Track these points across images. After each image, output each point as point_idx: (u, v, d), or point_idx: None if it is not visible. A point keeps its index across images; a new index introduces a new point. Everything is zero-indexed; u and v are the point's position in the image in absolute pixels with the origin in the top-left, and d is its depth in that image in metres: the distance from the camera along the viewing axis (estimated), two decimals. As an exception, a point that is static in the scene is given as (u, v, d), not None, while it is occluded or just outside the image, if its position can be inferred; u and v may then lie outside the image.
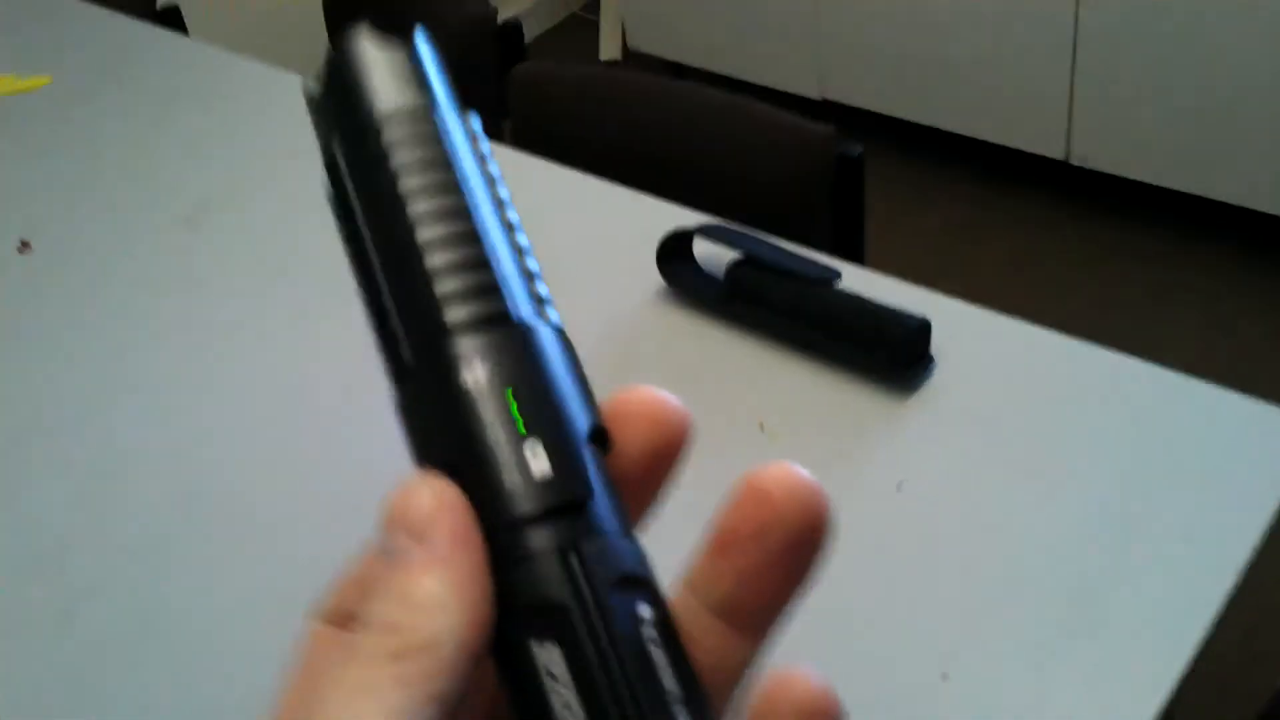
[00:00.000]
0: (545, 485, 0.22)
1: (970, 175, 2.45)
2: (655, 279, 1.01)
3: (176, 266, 1.18)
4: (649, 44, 2.81)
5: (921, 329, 0.89)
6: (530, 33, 3.26)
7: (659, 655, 0.21)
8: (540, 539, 0.21)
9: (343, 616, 0.24)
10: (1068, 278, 2.20)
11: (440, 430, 0.23)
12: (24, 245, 1.23)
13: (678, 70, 2.84)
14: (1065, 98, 2.13)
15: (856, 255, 1.21)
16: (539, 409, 0.23)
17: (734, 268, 0.96)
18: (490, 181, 0.26)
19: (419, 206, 0.24)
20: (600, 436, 0.24)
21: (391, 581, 0.22)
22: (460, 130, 0.26)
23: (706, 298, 0.98)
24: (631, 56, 2.94)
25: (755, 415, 0.90)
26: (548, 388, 0.23)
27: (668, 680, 0.21)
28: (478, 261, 0.24)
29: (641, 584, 0.22)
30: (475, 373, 0.23)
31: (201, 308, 1.11)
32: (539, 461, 0.22)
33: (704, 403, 0.91)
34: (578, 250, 1.07)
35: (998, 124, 2.28)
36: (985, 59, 2.21)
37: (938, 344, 0.92)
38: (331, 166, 0.26)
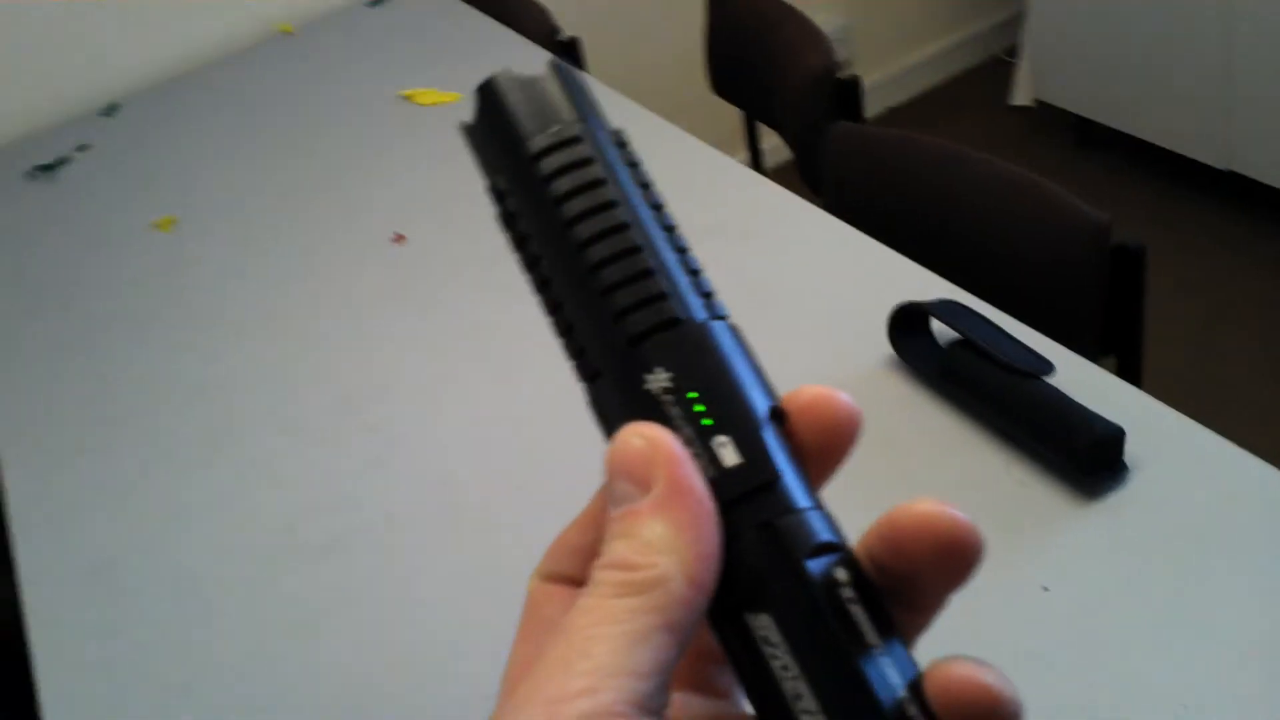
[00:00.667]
0: (737, 473, 0.24)
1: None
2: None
3: (516, 275, 1.36)
4: (1056, 96, 2.75)
5: (1112, 438, 0.89)
6: (950, 70, 3.28)
7: (858, 612, 0.23)
8: (740, 520, 0.24)
9: (556, 576, 0.27)
10: None
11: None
12: (399, 237, 1.47)
13: (1083, 124, 2.76)
14: None
15: (1129, 349, 1.19)
16: (721, 403, 0.25)
17: (953, 347, 1.00)
18: (644, 188, 0.28)
19: (584, 228, 0.27)
20: (778, 414, 0.26)
21: (621, 525, 0.24)
22: (610, 145, 0.28)
23: (927, 372, 1.02)
24: (1039, 105, 2.88)
25: (943, 491, 0.93)
26: (726, 380, 0.25)
27: (869, 634, 0.23)
28: (646, 271, 0.26)
29: (835, 549, 0.24)
30: (659, 377, 0.25)
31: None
32: (727, 452, 0.25)
33: (897, 472, 0.96)
34: (830, 300, 1.14)
35: None
36: None
37: (1139, 453, 0.91)
38: (498, 194, 0.29)
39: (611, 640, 0.23)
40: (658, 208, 0.28)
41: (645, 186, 0.29)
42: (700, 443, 0.25)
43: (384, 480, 1.10)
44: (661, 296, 0.26)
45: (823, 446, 0.27)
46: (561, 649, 0.23)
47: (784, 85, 1.71)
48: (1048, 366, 0.95)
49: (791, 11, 1.75)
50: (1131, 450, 0.91)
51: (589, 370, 0.27)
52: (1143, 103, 2.51)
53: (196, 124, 1.95)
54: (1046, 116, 2.89)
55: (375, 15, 2.22)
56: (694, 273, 0.27)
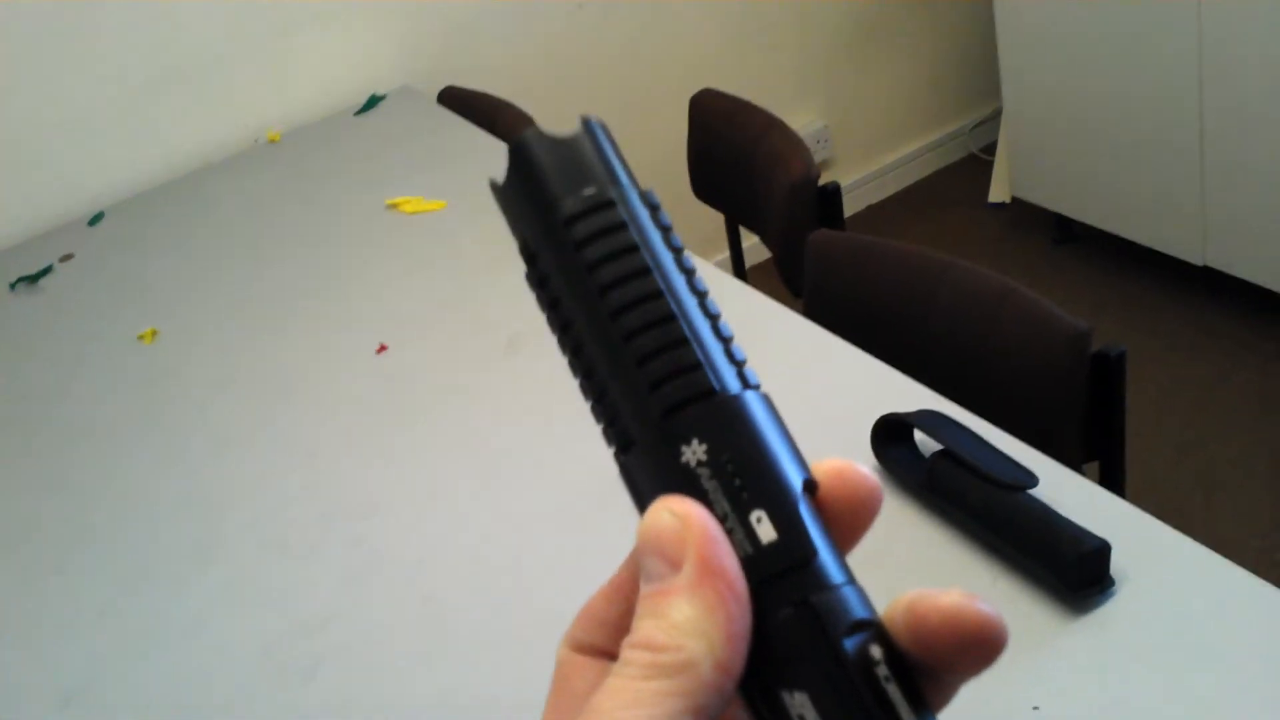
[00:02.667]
0: (774, 549, 0.24)
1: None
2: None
3: (502, 386, 1.36)
4: (1033, 194, 2.79)
5: (1097, 553, 0.88)
6: (929, 168, 3.33)
7: (893, 691, 0.24)
8: (776, 597, 0.24)
9: (585, 646, 0.28)
10: None
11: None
12: (382, 347, 1.47)
13: (1061, 222, 2.80)
14: None
15: (1111, 455, 1.19)
16: (756, 476, 0.25)
17: (935, 459, 1.00)
18: (677, 253, 0.28)
19: (617, 296, 0.26)
20: (810, 487, 0.26)
21: (651, 604, 0.24)
22: (642, 208, 0.28)
23: (911, 483, 1.02)
24: (1015, 203, 2.93)
25: (924, 607, 0.92)
26: (761, 453, 0.25)
27: (905, 713, 0.24)
28: (680, 340, 0.26)
29: (869, 626, 0.24)
30: (695, 450, 0.25)
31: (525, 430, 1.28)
32: (764, 528, 0.25)
33: (884, 584, 0.95)
34: (811, 407, 1.14)
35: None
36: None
37: (1124, 565, 0.91)
38: (529, 255, 0.28)
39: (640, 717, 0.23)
40: (690, 273, 0.28)
41: (678, 251, 0.28)
42: (736, 517, 0.25)
43: (368, 598, 1.08)
44: (696, 366, 0.26)
45: (848, 519, 0.27)
46: (599, 715, 0.23)
47: (765, 192, 1.74)
48: (1031, 479, 0.95)
49: (773, 120, 1.78)
50: (1117, 562, 0.90)
51: (622, 439, 0.27)
52: (1119, 200, 2.55)
53: (182, 233, 1.97)
54: (1024, 214, 2.93)
55: (362, 124, 2.26)
56: (726, 340, 0.27)
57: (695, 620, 0.24)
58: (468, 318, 1.49)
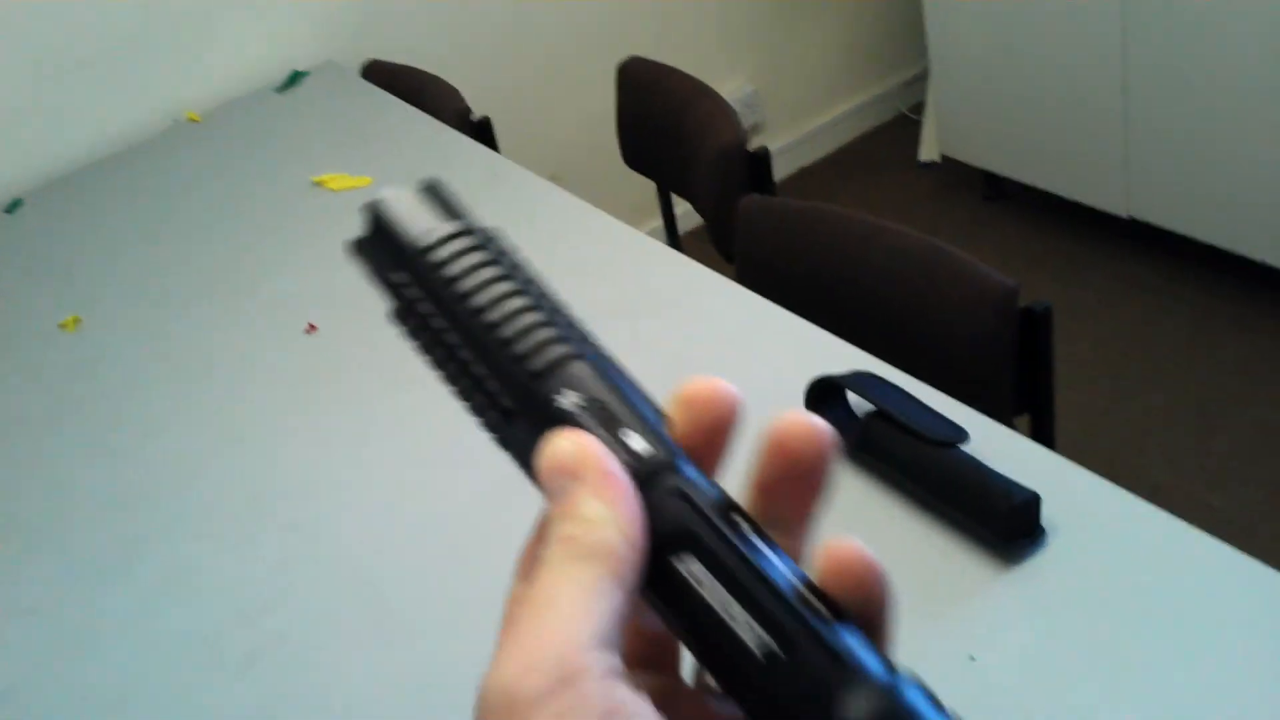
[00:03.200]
0: (646, 455, 0.30)
1: (1273, 306, 2.29)
2: (807, 418, 1.06)
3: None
4: (962, 152, 2.81)
5: (1027, 505, 0.90)
6: (858, 129, 3.35)
7: (763, 544, 0.29)
8: (657, 492, 0.30)
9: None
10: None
11: None
12: (311, 327, 1.46)
13: (989, 179, 2.83)
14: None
15: (1041, 409, 1.21)
16: (622, 409, 0.31)
17: (869, 419, 1.01)
18: (523, 265, 0.34)
19: (481, 297, 0.33)
20: (660, 414, 0.32)
21: (562, 509, 0.29)
22: (490, 237, 0.34)
23: (845, 444, 1.03)
24: (945, 161, 2.95)
25: (861, 566, 0.93)
26: (620, 392, 0.32)
27: (777, 559, 0.29)
28: (541, 323, 0.32)
29: (734, 505, 0.30)
30: (569, 397, 0.31)
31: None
32: (636, 441, 0.31)
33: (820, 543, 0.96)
34: (745, 372, 1.14)
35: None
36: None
37: (1055, 516, 0.92)
38: (395, 291, 0.34)
39: (572, 594, 0.27)
40: (535, 279, 0.34)
41: (523, 264, 0.34)
42: (613, 439, 0.31)
43: (305, 583, 1.07)
44: (557, 340, 0.32)
45: (711, 426, 0.32)
46: (529, 608, 0.27)
47: (695, 159, 1.73)
48: (962, 434, 0.96)
49: (701, 87, 1.77)
50: (1048, 513, 0.92)
51: (502, 415, 0.32)
52: (1045, 155, 2.58)
53: (102, 217, 1.92)
54: (954, 172, 2.95)
55: (284, 101, 2.22)
56: (574, 324, 0.33)
57: (602, 511, 0.28)
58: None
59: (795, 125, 3.24)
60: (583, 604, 0.27)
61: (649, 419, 0.31)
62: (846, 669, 0.28)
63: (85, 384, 1.47)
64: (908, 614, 0.87)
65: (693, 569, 0.29)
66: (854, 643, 0.29)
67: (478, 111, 1.97)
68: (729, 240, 1.54)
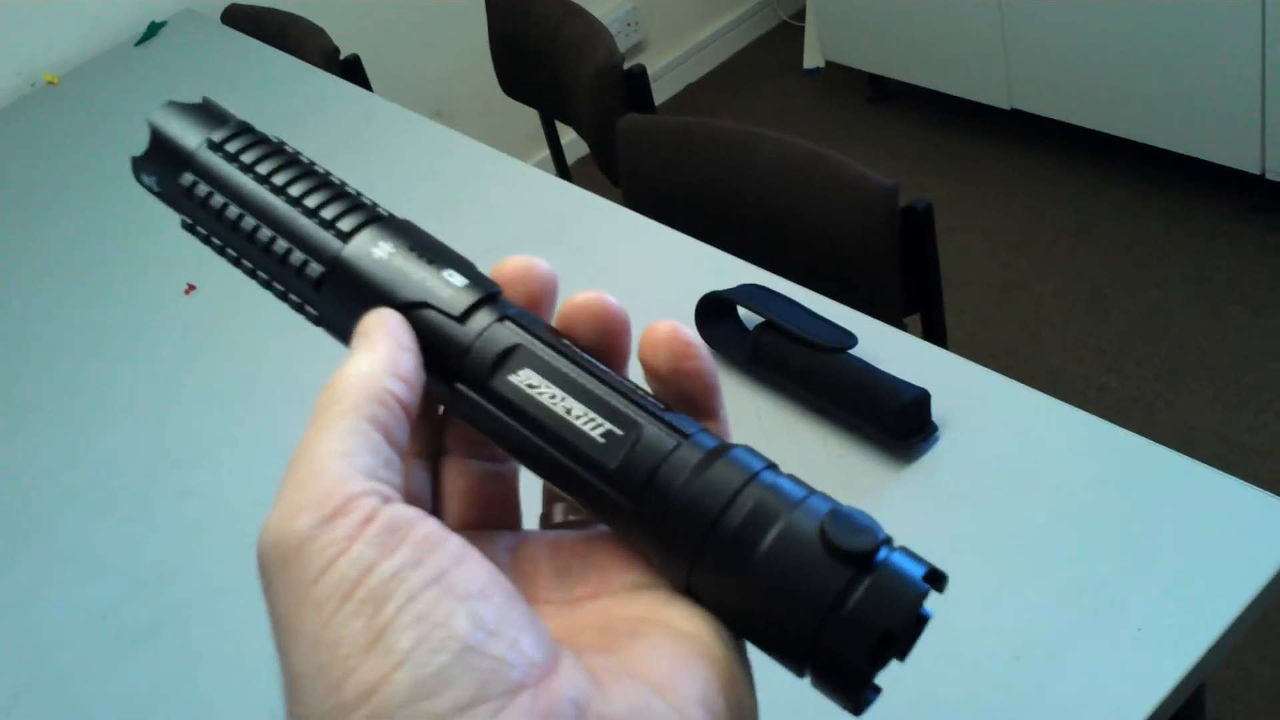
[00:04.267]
0: (469, 288, 0.32)
1: (1161, 187, 2.33)
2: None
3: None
4: (845, 56, 2.81)
5: (917, 402, 0.91)
6: (742, 41, 3.32)
7: (588, 355, 0.32)
8: (486, 319, 0.31)
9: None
10: (1254, 297, 2.07)
11: (375, 297, 0.32)
12: (190, 287, 1.41)
13: (874, 81, 2.83)
14: (1257, 109, 1.99)
15: (930, 308, 1.22)
16: (438, 251, 0.33)
17: (759, 331, 1.00)
18: (299, 154, 0.35)
19: (280, 177, 0.34)
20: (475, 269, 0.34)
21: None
22: (268, 134, 0.36)
23: (738, 358, 1.03)
24: (830, 66, 2.94)
25: (761, 477, 0.94)
26: (432, 241, 0.33)
27: (597, 363, 0.31)
28: (339, 193, 0.34)
29: (555, 330, 0.33)
30: (381, 248, 0.32)
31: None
32: (456, 278, 0.32)
33: (722, 461, 0.96)
34: (636, 294, 1.13)
35: (1186, 135, 2.16)
36: (1173, 67, 2.10)
37: (946, 412, 0.93)
38: (187, 194, 0.35)
39: (328, 438, 0.28)
40: (316, 164, 0.35)
41: (299, 154, 0.35)
42: (433, 274, 0.32)
43: (205, 550, 1.05)
44: (360, 204, 0.33)
45: (529, 298, 0.33)
46: (291, 462, 0.28)
47: (572, 82, 1.70)
48: (850, 339, 0.97)
49: (571, 6, 1.74)
50: (939, 409, 0.93)
51: (313, 285, 0.32)
52: (927, 54, 2.59)
53: (-37, 192, 1.84)
54: (839, 76, 2.95)
55: (144, 54, 2.13)
56: (363, 195, 0.34)
57: (359, 361, 0.29)
58: (278, 246, 1.43)
59: (678, 42, 3.21)
60: (338, 444, 0.27)
61: (463, 257, 0.33)
62: (678, 434, 0.29)
63: (-42, 366, 1.41)
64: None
65: (532, 379, 0.30)
66: (685, 419, 0.30)
67: (346, 51, 1.91)
68: (614, 164, 1.52)
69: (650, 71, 1.60)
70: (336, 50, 1.90)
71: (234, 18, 2.17)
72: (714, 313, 1.05)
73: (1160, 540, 0.82)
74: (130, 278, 1.48)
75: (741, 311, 1.06)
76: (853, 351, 0.97)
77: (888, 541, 0.28)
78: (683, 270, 1.18)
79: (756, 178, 1.27)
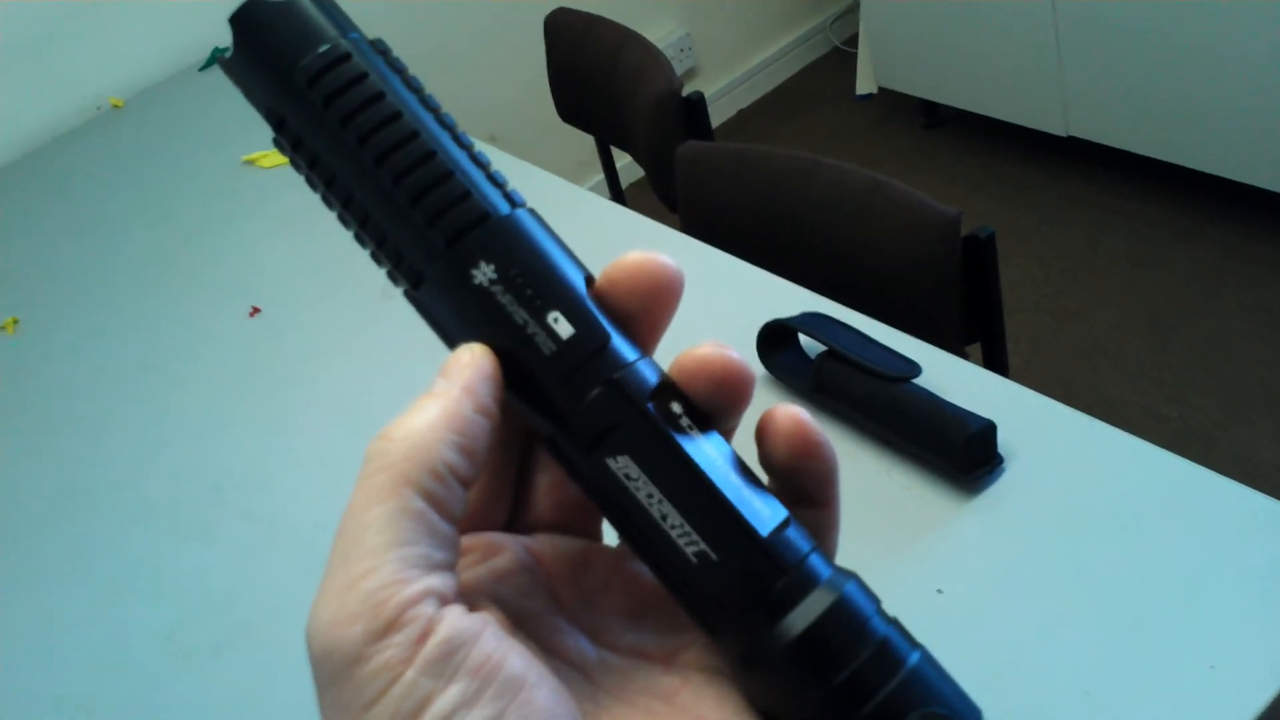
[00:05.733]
0: (574, 341, 0.28)
1: (1220, 216, 2.31)
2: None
3: (382, 335, 1.33)
4: (898, 82, 2.80)
5: (984, 433, 0.90)
6: (794, 67, 3.33)
7: (699, 434, 0.28)
8: (586, 381, 0.27)
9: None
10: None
11: (472, 322, 0.28)
12: (254, 310, 1.43)
13: (928, 107, 2.82)
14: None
15: (991, 336, 1.21)
16: (545, 283, 0.28)
17: (821, 360, 1.00)
18: (419, 92, 0.29)
19: (377, 143, 0.28)
20: (590, 281, 0.29)
21: None
22: (376, 55, 0.29)
23: (800, 387, 1.02)
24: (883, 92, 2.94)
25: (824, 507, 0.93)
26: (543, 261, 0.28)
27: (712, 448, 0.28)
28: (447, 174, 0.28)
29: (667, 388, 0.28)
30: (484, 271, 0.28)
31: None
32: (562, 326, 0.28)
33: (784, 490, 0.95)
34: (697, 322, 1.13)
35: (1246, 163, 2.13)
36: (1231, 94, 2.08)
37: (1011, 442, 0.92)
38: (277, 122, 0.29)
39: (374, 523, 0.25)
40: (436, 110, 0.29)
41: (419, 91, 0.29)
42: (535, 322, 0.27)
43: (267, 570, 1.06)
44: (466, 195, 0.28)
45: (648, 303, 0.29)
46: (337, 539, 0.26)
47: (629, 108, 1.71)
48: (915, 369, 0.96)
49: (628, 34, 1.75)
50: (1004, 440, 0.92)
51: (412, 276, 0.28)
52: (981, 80, 2.58)
53: (33, 214, 1.88)
54: (892, 103, 2.95)
55: (207, 79, 2.17)
56: (485, 166, 0.29)
57: (424, 415, 0.27)
58: (338, 268, 1.45)
59: (730, 67, 3.22)
60: (388, 533, 0.25)
61: (577, 292, 0.28)
62: (778, 568, 0.27)
63: (27, 386, 1.44)
64: (873, 552, 0.88)
65: (630, 471, 0.27)
66: (794, 540, 0.27)
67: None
68: (671, 190, 1.53)
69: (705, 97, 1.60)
70: (396, 76, 1.92)
71: (295, 44, 2.20)
72: (776, 341, 1.05)
73: (1230, 575, 0.80)
74: (194, 299, 1.50)
75: (803, 340, 1.06)
76: (916, 381, 0.96)
77: None
78: (743, 297, 1.18)
79: (816, 205, 1.27)
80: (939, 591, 0.85)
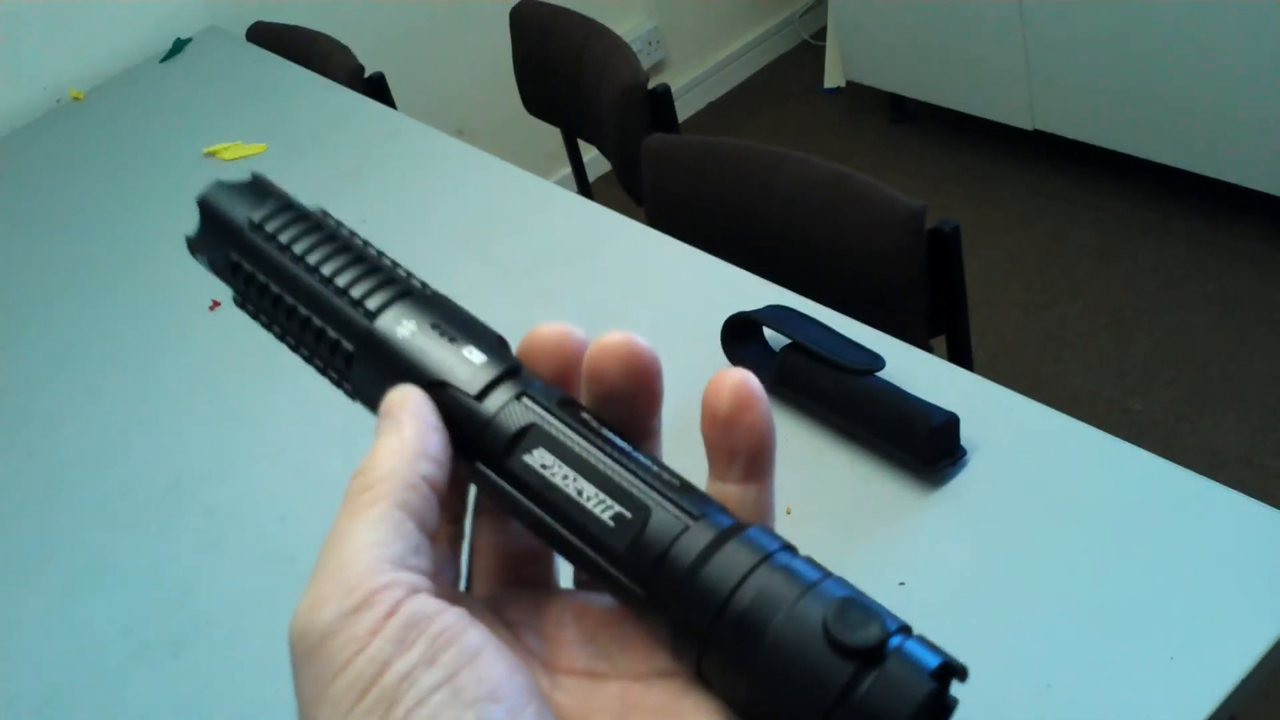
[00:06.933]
0: (488, 365, 0.32)
1: (1185, 209, 2.32)
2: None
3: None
4: (866, 75, 2.81)
5: (946, 426, 0.90)
6: (763, 60, 3.32)
7: (604, 429, 0.31)
8: (503, 397, 0.31)
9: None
10: (1278, 320, 2.05)
11: (399, 374, 0.32)
12: (215, 304, 1.41)
13: (895, 101, 2.83)
14: (1285, 132, 1.98)
15: (956, 329, 1.21)
16: (460, 327, 0.33)
17: (785, 353, 1.00)
18: (347, 230, 0.36)
19: (314, 256, 0.35)
20: (501, 341, 0.34)
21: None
22: (310, 211, 0.37)
23: (764, 379, 1.02)
24: (851, 86, 2.94)
25: (785, 499, 0.93)
26: (459, 313, 0.34)
27: (613, 438, 0.31)
28: (372, 269, 0.34)
29: (573, 401, 0.32)
30: (406, 326, 0.33)
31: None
32: (475, 355, 0.32)
33: (748, 483, 0.95)
34: (661, 315, 1.13)
35: (1211, 157, 2.15)
36: (1197, 89, 2.09)
37: (974, 435, 0.92)
38: (233, 271, 0.36)
39: (357, 528, 0.28)
40: (360, 240, 0.36)
41: (346, 230, 0.36)
42: (454, 354, 0.32)
43: (228, 564, 1.05)
44: (391, 280, 0.34)
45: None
46: (322, 549, 0.28)
47: (596, 101, 1.70)
48: (878, 361, 0.96)
49: (595, 26, 1.74)
50: (967, 433, 0.92)
51: (346, 356, 0.33)
52: (949, 74, 2.58)
53: (-11, 207, 1.85)
54: (860, 96, 2.95)
55: (169, 71, 2.14)
56: (397, 266, 0.35)
57: (391, 444, 0.30)
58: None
59: (699, 60, 3.21)
60: (368, 535, 0.28)
61: (489, 330, 0.33)
62: (689, 515, 0.29)
63: (-17, 380, 1.41)
64: (834, 544, 0.88)
65: (545, 460, 0.30)
66: (699, 497, 0.30)
67: (371, 69, 1.92)
68: (637, 183, 1.52)
69: (671, 90, 1.60)
70: (361, 68, 1.91)
71: (259, 35, 2.18)
72: (740, 334, 1.05)
73: (1190, 567, 0.81)
74: (155, 293, 1.48)
75: (768, 333, 1.06)
76: (880, 374, 0.96)
77: (905, 629, 0.27)
78: (708, 291, 1.18)
79: (781, 198, 1.27)
80: (901, 584, 0.85)
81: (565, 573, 0.35)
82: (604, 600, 0.32)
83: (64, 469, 1.23)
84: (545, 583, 0.35)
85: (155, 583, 1.05)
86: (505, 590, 0.34)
